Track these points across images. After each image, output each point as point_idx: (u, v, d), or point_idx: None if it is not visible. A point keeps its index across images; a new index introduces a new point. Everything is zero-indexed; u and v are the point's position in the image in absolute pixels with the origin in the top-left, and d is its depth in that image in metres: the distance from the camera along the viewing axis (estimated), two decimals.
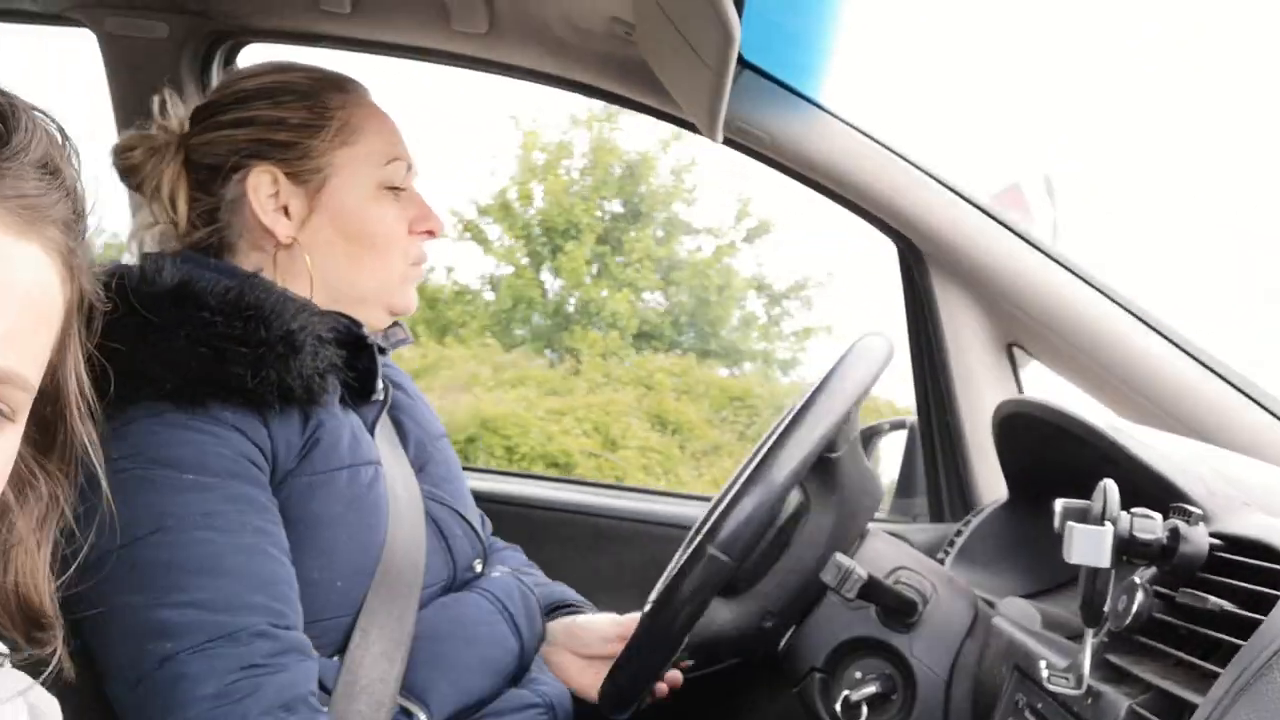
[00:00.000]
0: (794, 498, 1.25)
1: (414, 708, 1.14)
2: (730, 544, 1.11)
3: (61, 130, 0.66)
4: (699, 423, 8.08)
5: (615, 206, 9.94)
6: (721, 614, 1.25)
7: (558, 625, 1.40)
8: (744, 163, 1.69)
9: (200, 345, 1.07)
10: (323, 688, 1.10)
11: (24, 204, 0.61)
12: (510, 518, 1.75)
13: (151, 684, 0.99)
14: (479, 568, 1.30)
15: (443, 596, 1.23)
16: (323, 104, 1.25)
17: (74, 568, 0.76)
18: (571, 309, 9.39)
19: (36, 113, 0.64)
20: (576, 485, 2.01)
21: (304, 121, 1.23)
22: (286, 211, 1.23)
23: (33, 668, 0.73)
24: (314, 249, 1.24)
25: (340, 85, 1.28)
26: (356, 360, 1.22)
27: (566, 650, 1.37)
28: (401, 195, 1.28)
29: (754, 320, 10.50)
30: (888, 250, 1.77)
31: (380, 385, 1.26)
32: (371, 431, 1.24)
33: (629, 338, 9.04)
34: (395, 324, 1.35)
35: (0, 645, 0.73)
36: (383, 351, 1.29)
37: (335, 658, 1.13)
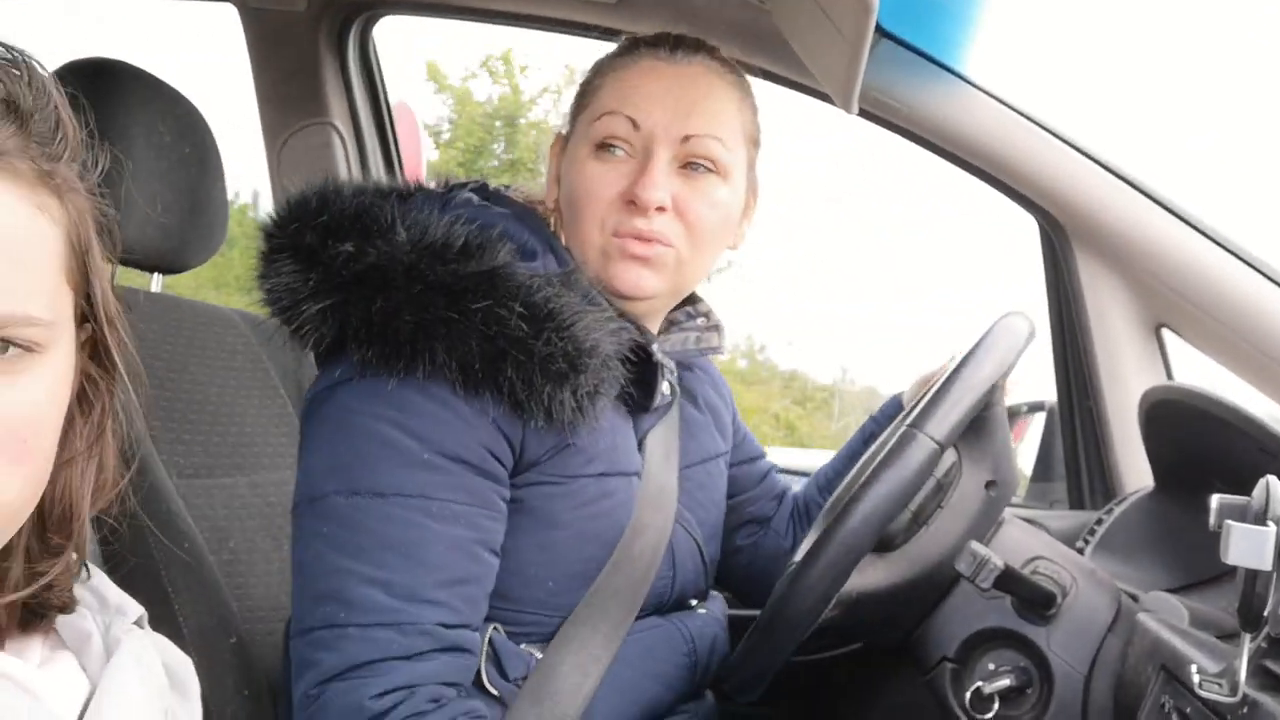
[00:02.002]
0: (948, 458, 1.22)
1: None
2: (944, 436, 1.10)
3: (13, 54, 0.63)
4: None
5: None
6: (875, 571, 1.21)
7: (908, 392, 1.50)
8: None
9: (487, 341, 1.04)
10: (506, 675, 1.11)
11: None
12: None
13: (315, 640, 1.03)
14: (693, 604, 1.29)
15: (643, 619, 1.20)
16: (595, 73, 1.24)
17: None
18: None
19: None
20: None
21: (580, 93, 1.25)
22: (556, 179, 1.24)
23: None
24: (561, 217, 1.23)
25: (626, 51, 1.23)
26: (643, 372, 1.18)
27: None
28: (623, 158, 1.17)
29: None
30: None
31: (660, 397, 1.21)
32: (642, 441, 1.22)
33: None
34: (713, 328, 1.31)
35: (135, 606, 0.75)
36: (688, 367, 1.29)
37: (527, 648, 1.12)
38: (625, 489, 1.17)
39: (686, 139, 1.17)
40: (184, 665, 0.77)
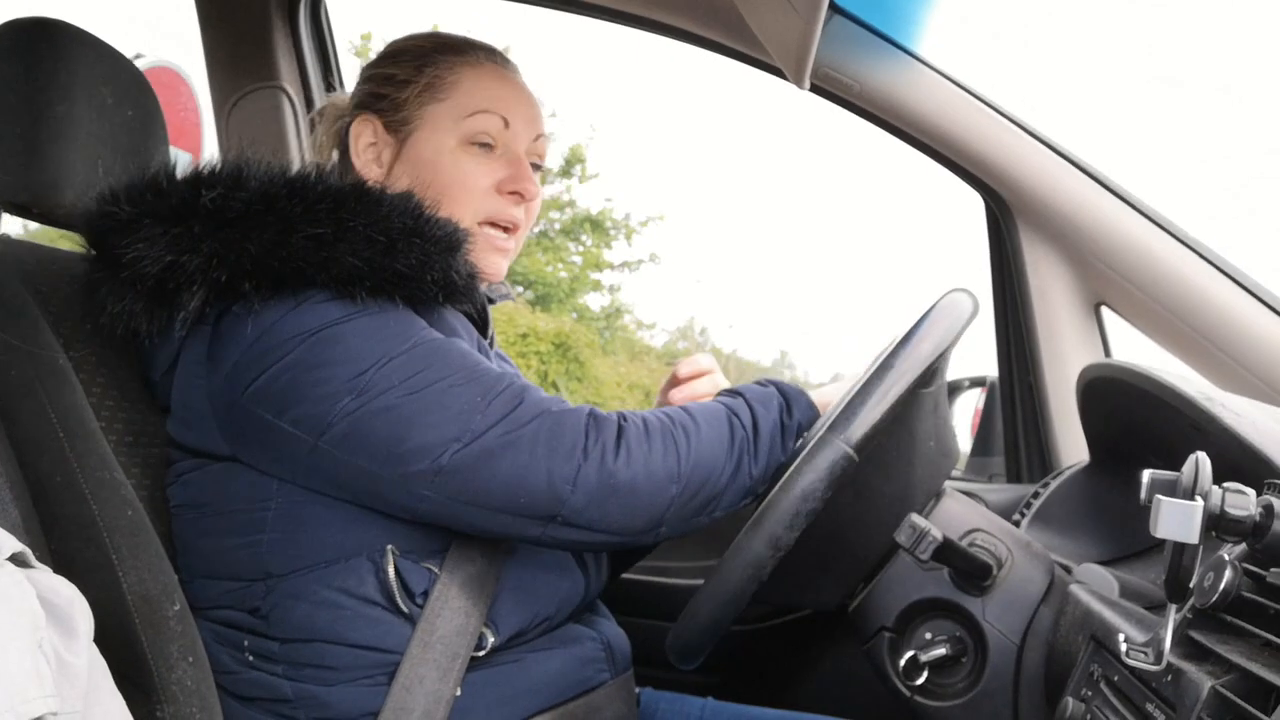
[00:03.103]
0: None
1: (483, 628, 1.16)
2: (804, 498, 1.10)
3: None
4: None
5: None
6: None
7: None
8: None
9: (381, 236, 1.12)
10: (411, 592, 1.13)
11: None
12: None
13: (489, 418, 1.09)
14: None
15: None
16: (428, 62, 1.33)
17: None
18: None
19: None
20: None
21: (406, 78, 1.33)
22: (380, 161, 1.33)
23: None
24: None
25: (461, 49, 1.35)
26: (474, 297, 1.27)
27: None
28: (494, 152, 1.31)
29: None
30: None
31: (492, 332, 1.33)
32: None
33: None
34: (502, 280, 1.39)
35: (9, 543, 0.75)
36: (491, 301, 1.35)
37: (425, 564, 1.14)
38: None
39: (536, 139, 1.35)
40: (71, 602, 0.76)
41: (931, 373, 1.17)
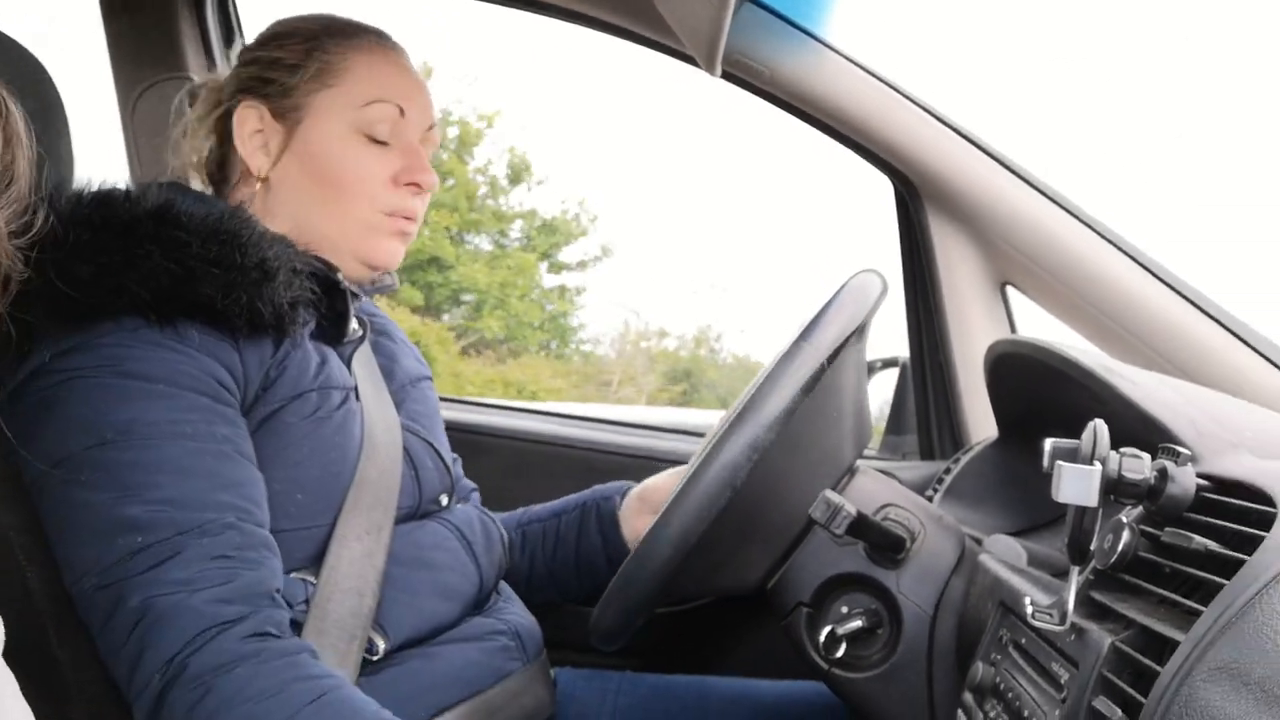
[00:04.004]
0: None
1: (371, 633, 1.15)
2: (723, 477, 1.11)
3: None
4: None
5: None
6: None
7: (630, 497, 1.48)
8: None
9: (173, 263, 1.08)
10: (289, 603, 1.11)
11: None
12: (502, 451, 1.75)
13: (123, 572, 0.99)
14: (444, 501, 1.31)
15: (402, 524, 1.23)
16: (317, 46, 1.28)
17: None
18: None
19: None
20: (570, 420, 2.02)
21: (293, 61, 1.27)
22: (267, 149, 1.27)
23: None
24: (284, 186, 1.27)
25: (349, 32, 1.30)
26: (333, 303, 1.24)
27: (646, 514, 1.42)
28: (389, 146, 1.27)
29: None
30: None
31: (354, 327, 1.28)
32: (348, 364, 1.25)
33: None
34: (385, 272, 1.35)
35: None
36: (356, 296, 1.29)
37: (298, 576, 1.14)
38: (348, 404, 1.20)
39: (429, 128, 1.32)
40: None
41: (840, 353, 1.19)
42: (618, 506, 1.48)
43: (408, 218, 1.29)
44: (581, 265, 15.82)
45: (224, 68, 2.05)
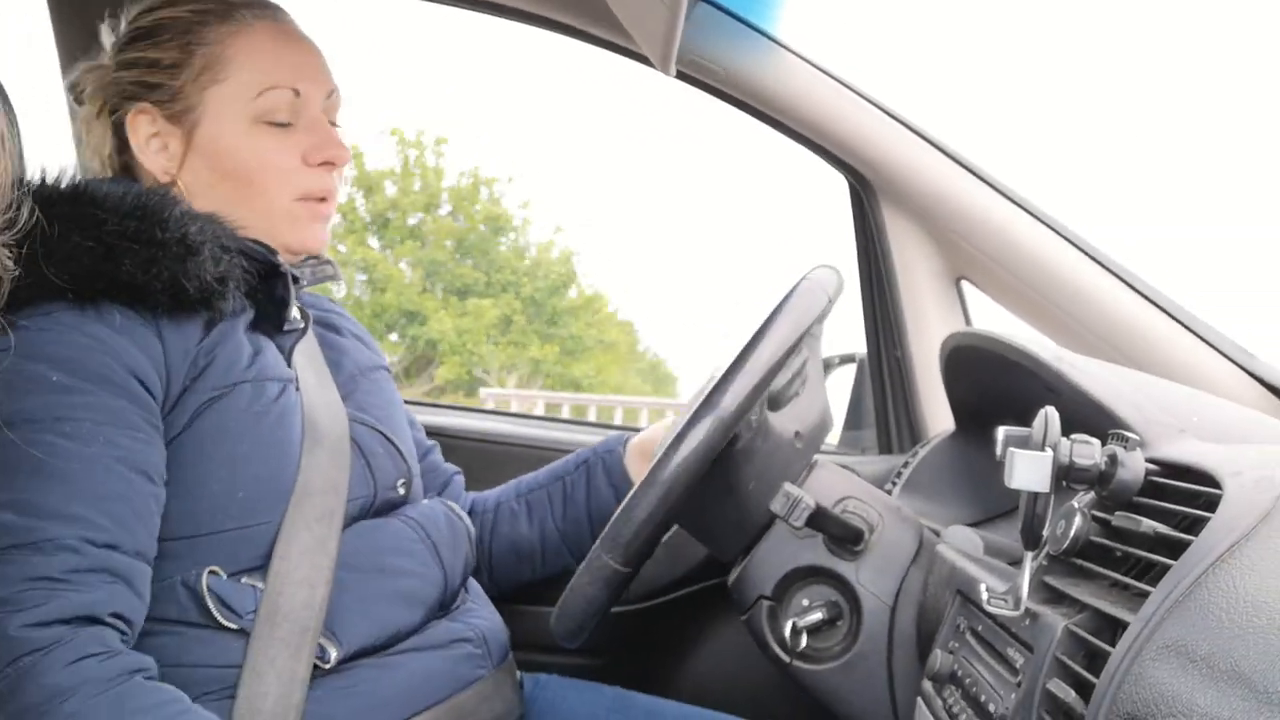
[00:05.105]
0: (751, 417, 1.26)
1: (323, 640, 1.13)
2: (679, 475, 1.12)
3: None
4: None
5: None
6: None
7: (631, 447, 1.50)
8: None
9: (91, 241, 1.07)
10: (238, 612, 1.10)
11: None
12: (464, 450, 1.75)
13: None
14: (402, 490, 1.28)
15: (360, 522, 1.22)
16: (195, 40, 1.24)
17: None
18: None
19: None
20: (537, 420, 2.02)
21: (174, 61, 1.23)
22: (168, 151, 1.24)
23: None
24: (196, 188, 1.24)
25: (224, 14, 1.25)
26: (273, 289, 1.22)
27: (648, 462, 1.41)
28: (292, 127, 1.25)
29: None
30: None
31: (295, 314, 1.25)
32: (289, 356, 1.23)
33: None
34: (326, 261, 1.33)
35: None
36: (296, 281, 1.26)
37: (248, 581, 1.12)
38: (285, 395, 1.18)
39: (329, 95, 1.28)
40: None
41: (798, 346, 1.20)
42: (622, 456, 1.49)
43: (322, 199, 1.27)
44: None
45: None
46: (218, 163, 1.23)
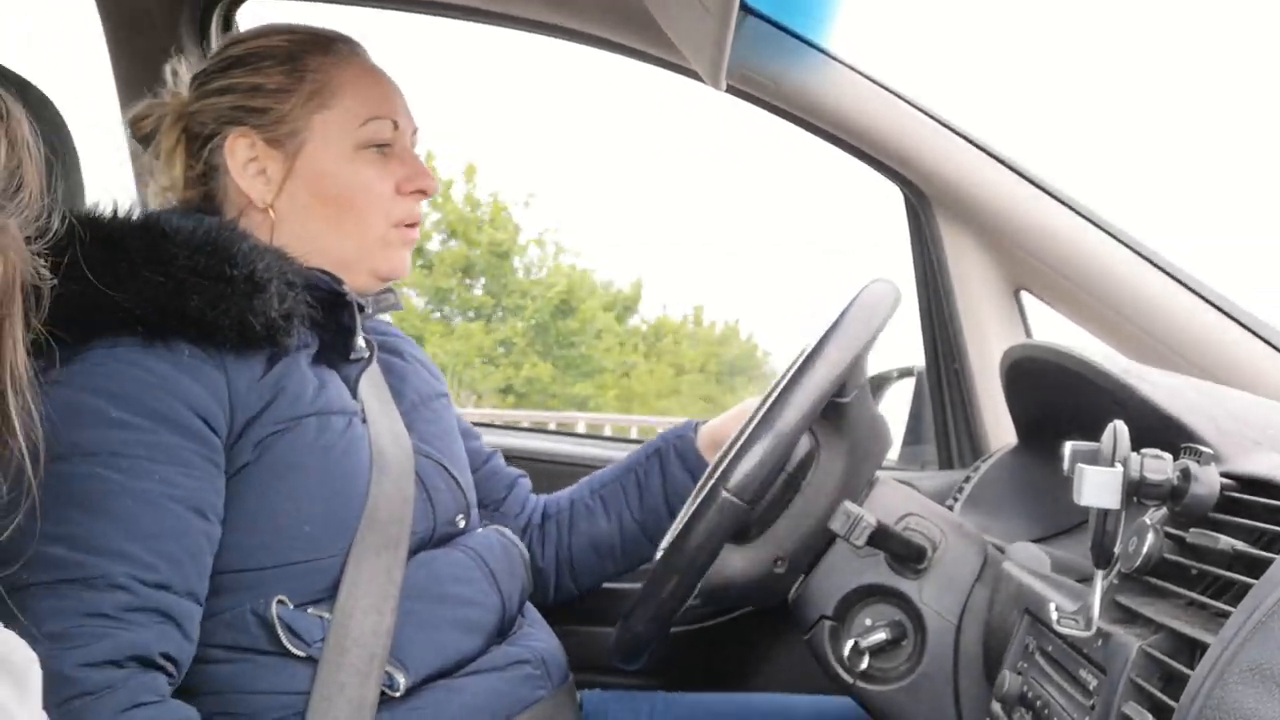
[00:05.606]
0: (804, 443, 1.24)
1: (391, 669, 1.14)
2: (743, 488, 1.11)
3: None
4: None
5: None
6: (734, 560, 1.25)
7: (702, 434, 1.51)
8: None
9: (161, 277, 1.08)
10: (306, 640, 1.11)
11: None
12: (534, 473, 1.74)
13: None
14: (462, 523, 1.29)
15: (421, 553, 1.22)
16: (301, 67, 1.26)
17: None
18: None
19: None
20: (600, 440, 2.02)
21: (279, 86, 1.25)
22: (266, 176, 1.25)
23: None
24: (292, 213, 1.25)
25: (324, 46, 1.29)
26: (339, 319, 1.23)
27: (715, 450, 1.44)
28: (388, 155, 1.28)
29: None
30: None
31: (361, 344, 1.26)
32: (354, 387, 1.24)
33: None
34: (388, 290, 1.35)
35: None
36: (361, 310, 1.27)
37: (315, 612, 1.13)
38: (352, 428, 1.19)
39: (414, 132, 1.33)
40: (24, 660, 0.74)
41: (854, 369, 1.19)
42: (694, 441, 1.50)
43: (412, 225, 1.31)
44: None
45: None
46: (319, 187, 1.25)
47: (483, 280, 17.06)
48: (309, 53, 1.27)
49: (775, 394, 1.17)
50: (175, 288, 1.08)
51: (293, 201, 1.26)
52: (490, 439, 1.61)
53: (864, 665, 1.21)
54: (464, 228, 16.66)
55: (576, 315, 16.99)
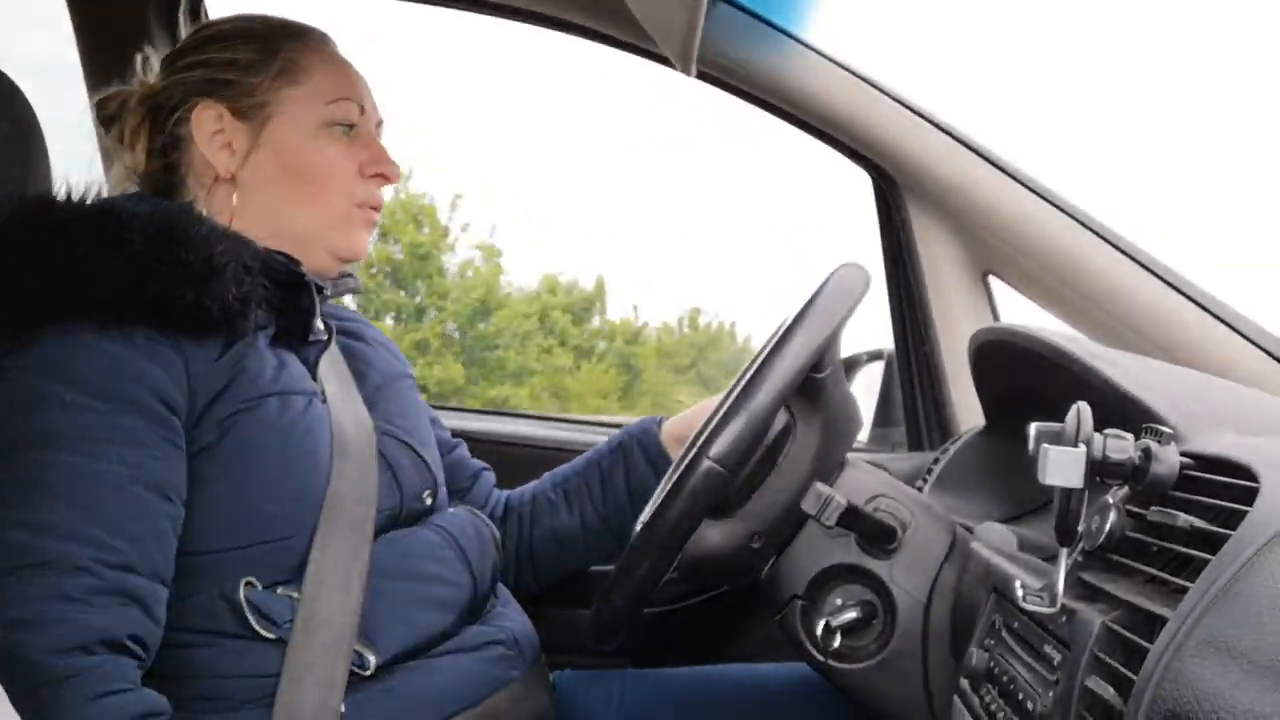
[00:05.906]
0: (781, 418, 1.25)
1: (361, 647, 1.14)
2: (726, 455, 1.12)
3: None
4: None
5: None
6: (712, 535, 1.26)
7: (667, 428, 1.51)
8: None
9: (117, 262, 1.08)
10: (275, 622, 1.12)
11: None
12: (485, 456, 1.75)
13: None
14: (429, 500, 1.30)
15: (391, 531, 1.23)
16: (274, 47, 1.29)
17: None
18: None
19: None
20: (569, 424, 2.02)
21: (251, 61, 1.28)
22: (231, 148, 1.26)
23: None
24: (255, 185, 1.27)
25: (298, 33, 1.32)
26: (297, 300, 1.24)
27: (680, 445, 1.45)
28: (352, 137, 1.31)
29: None
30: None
31: (319, 326, 1.26)
32: (314, 369, 1.24)
33: None
34: (347, 274, 1.36)
35: None
36: (320, 291, 1.28)
37: (284, 592, 1.13)
38: (312, 408, 1.20)
39: (379, 124, 1.36)
40: None
41: (828, 345, 1.20)
42: (658, 435, 1.51)
43: (375, 207, 1.33)
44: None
45: None
46: (283, 159, 1.27)
47: (400, 281, 17.05)
48: (286, 36, 1.31)
49: (754, 366, 1.18)
50: (131, 274, 1.08)
51: (256, 173, 1.27)
52: (451, 423, 1.62)
53: (836, 644, 1.23)
54: (392, 228, 16.67)
55: (493, 319, 17.06)
